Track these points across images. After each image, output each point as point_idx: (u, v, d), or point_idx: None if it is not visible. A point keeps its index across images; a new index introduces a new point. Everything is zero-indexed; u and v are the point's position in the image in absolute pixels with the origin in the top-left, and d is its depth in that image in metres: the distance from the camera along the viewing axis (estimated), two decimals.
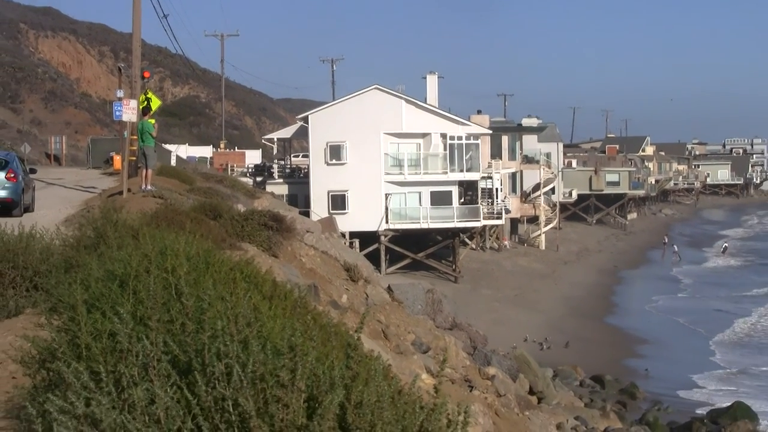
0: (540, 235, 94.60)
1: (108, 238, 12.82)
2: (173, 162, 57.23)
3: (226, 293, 7.44)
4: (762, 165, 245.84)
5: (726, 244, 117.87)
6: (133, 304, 7.61)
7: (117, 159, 42.66)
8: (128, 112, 30.86)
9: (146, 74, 37.00)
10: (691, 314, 68.91)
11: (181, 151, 78.20)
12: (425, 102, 76.51)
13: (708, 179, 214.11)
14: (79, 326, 7.30)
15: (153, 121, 31.66)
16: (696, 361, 53.44)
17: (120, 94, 35.73)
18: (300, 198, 71.39)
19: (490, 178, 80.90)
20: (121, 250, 9.64)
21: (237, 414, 5.94)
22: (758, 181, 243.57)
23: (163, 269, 8.08)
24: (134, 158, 32.66)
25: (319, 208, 67.73)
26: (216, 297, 7.40)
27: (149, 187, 29.28)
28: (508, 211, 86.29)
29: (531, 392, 38.98)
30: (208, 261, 8.76)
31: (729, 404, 40.46)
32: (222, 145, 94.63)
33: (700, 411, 41.49)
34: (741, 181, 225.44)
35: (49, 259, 13.49)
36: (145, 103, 32.57)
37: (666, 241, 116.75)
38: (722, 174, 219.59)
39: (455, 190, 73.53)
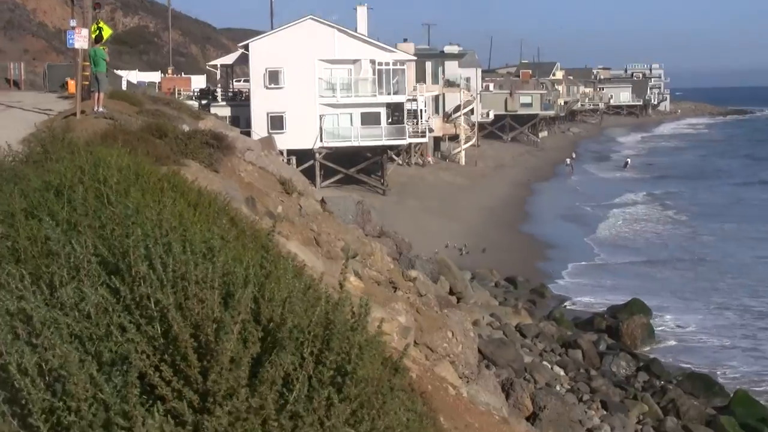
0: (460, 151, 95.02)
1: (54, 153, 12.61)
2: (124, 86, 56.23)
3: (153, 201, 7.37)
4: (659, 88, 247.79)
5: (628, 159, 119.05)
6: (67, 212, 7.52)
7: (71, 84, 41.84)
8: (80, 40, 30.26)
9: (97, 5, 36.32)
10: (591, 223, 70.43)
11: (132, 76, 76.86)
12: (356, 31, 76.22)
13: (611, 101, 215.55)
14: (17, 232, 7.21)
15: (105, 48, 31.27)
16: (593, 264, 54.48)
17: (73, 23, 34.92)
18: (242, 119, 70.85)
19: (415, 100, 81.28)
20: (58, 163, 9.50)
21: (158, 310, 5.89)
22: (656, 102, 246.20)
23: (96, 180, 7.97)
24: (87, 83, 32.25)
25: (259, 129, 67.41)
26: (143, 205, 7.33)
27: (101, 109, 29.12)
28: (431, 131, 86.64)
29: (451, 293, 39.33)
30: (138, 172, 8.66)
31: (626, 301, 41.17)
32: (169, 71, 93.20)
33: (601, 308, 42.13)
34: (640, 102, 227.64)
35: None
36: (97, 32, 32.11)
37: (573, 156, 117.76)
38: (624, 96, 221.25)
39: (383, 112, 73.84)
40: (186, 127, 30.58)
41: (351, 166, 73.00)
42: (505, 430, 8.92)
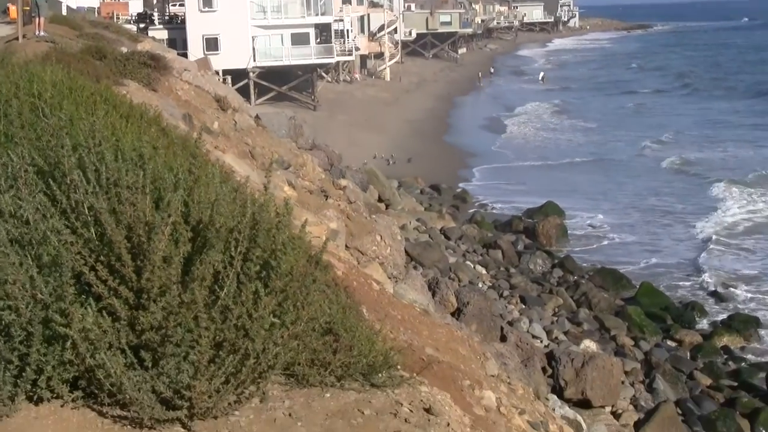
0: (385, 68, 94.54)
1: None
2: (64, 11, 54.76)
3: (86, 114, 7.22)
4: (569, 5, 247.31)
5: (543, 73, 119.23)
6: (3, 125, 7.36)
7: (13, 9, 40.69)
8: None
9: None
10: (507, 131, 71.28)
11: (71, 1, 74.81)
12: None
13: (525, 18, 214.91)
14: None
15: None
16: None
17: None
18: (178, 41, 69.58)
19: (342, 20, 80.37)
20: None
21: (92, 215, 5.81)
22: (566, 19, 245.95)
23: (31, 94, 7.79)
24: (28, 8, 31.43)
25: (195, 51, 66.30)
26: (77, 117, 7.18)
27: (42, 33, 28.54)
28: (357, 49, 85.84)
29: (379, 200, 39.43)
30: (71, 87, 8.48)
31: (542, 203, 41.58)
32: None
33: (518, 210, 42.50)
34: (552, 20, 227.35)
35: None
36: None
37: (492, 71, 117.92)
38: (536, 14, 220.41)
39: (312, 32, 72.97)
40: (125, 50, 30.06)
41: (283, 84, 72.35)
42: (424, 320, 9.01)
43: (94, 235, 5.79)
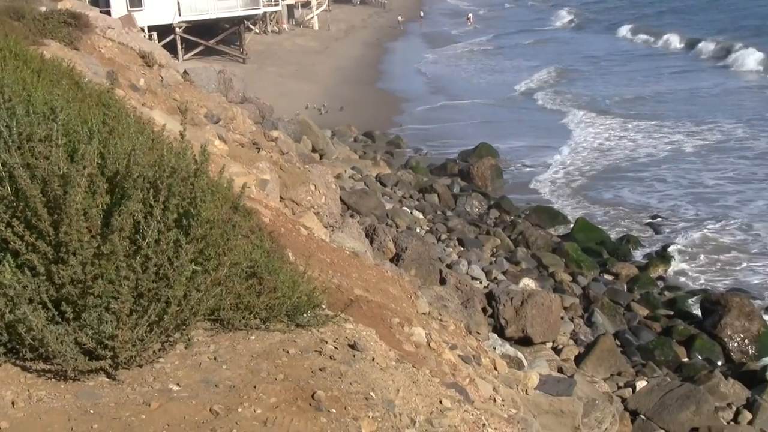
0: (313, 17, 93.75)
1: None
2: None
3: None
4: None
5: (470, 14, 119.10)
6: None
7: None
8: None
9: None
10: (437, 73, 71.55)
11: None
12: None
13: None
14: None
15: None
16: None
17: None
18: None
19: None
20: None
21: (6, 170, 5.77)
22: None
23: None
24: None
25: (119, 8, 65.07)
26: None
27: None
28: None
29: (313, 150, 39.33)
30: None
31: (475, 145, 41.75)
32: None
33: (452, 155, 42.64)
34: None
35: None
36: None
37: (422, 15, 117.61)
38: None
39: None
40: (44, 9, 29.52)
41: (211, 37, 71.45)
42: (354, 263, 9.09)
43: (9, 191, 5.76)
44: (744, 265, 28.23)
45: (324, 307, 6.48)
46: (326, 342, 5.97)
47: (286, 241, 8.16)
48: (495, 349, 18.03)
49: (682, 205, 34.66)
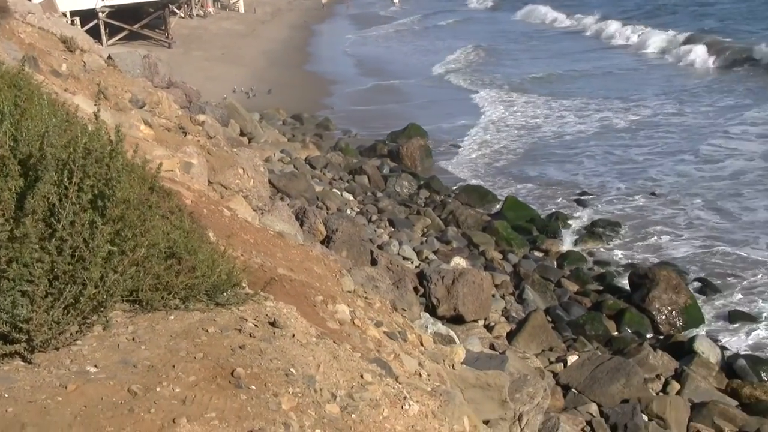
0: (238, 0, 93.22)
1: None
2: None
3: None
4: None
5: None
6: None
7: None
8: None
9: None
10: (365, 54, 71.60)
11: None
12: None
13: None
14: None
15: None
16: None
17: None
18: None
19: None
20: None
21: None
22: None
23: None
24: None
25: None
26: None
27: None
28: None
29: (242, 134, 39.11)
30: None
31: (404, 126, 41.84)
32: None
33: (382, 136, 42.67)
34: None
35: None
36: None
37: None
38: None
39: None
40: None
41: (135, 22, 70.53)
42: (278, 243, 9.08)
43: None
44: (671, 238, 28.71)
45: (245, 285, 6.48)
46: (246, 320, 5.97)
47: (208, 222, 8.12)
48: (427, 328, 18.14)
49: (609, 181, 35.14)
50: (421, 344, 8.33)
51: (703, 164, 36.98)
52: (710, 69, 58.90)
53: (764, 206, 31.34)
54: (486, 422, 8.81)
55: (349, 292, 8.28)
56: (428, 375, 7.17)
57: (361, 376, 6.01)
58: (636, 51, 68.92)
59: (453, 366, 8.24)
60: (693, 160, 37.67)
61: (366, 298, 8.34)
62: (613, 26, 78.02)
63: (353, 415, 5.57)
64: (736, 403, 18.49)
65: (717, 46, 62.11)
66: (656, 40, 69.36)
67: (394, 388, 6.18)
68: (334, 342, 6.40)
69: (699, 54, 61.11)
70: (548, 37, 78.54)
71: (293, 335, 6.00)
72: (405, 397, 6.10)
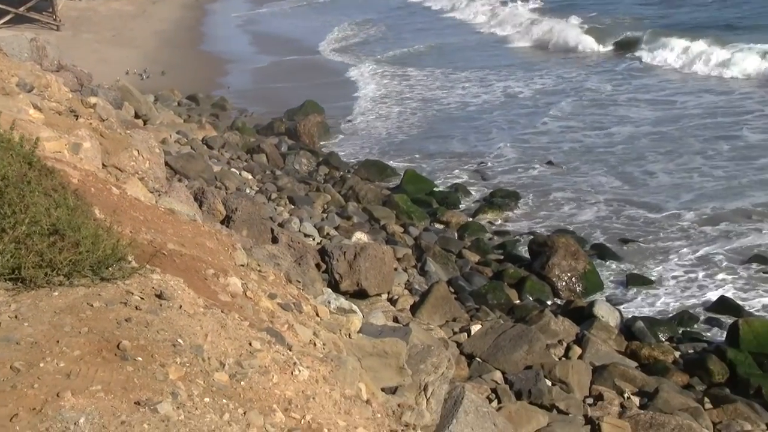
0: None
1: None
2: None
3: None
4: None
5: None
6: None
7: None
8: None
9: None
10: (258, 31, 71.42)
11: None
12: None
13: None
14: None
15: None
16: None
17: None
18: None
19: None
20: None
21: None
22: None
23: None
24: None
25: None
26: None
27: None
28: None
29: (136, 116, 38.55)
30: None
31: (301, 103, 41.78)
32: None
33: (279, 114, 42.46)
34: None
35: None
36: None
37: None
38: None
39: None
40: None
41: (20, 5, 68.85)
42: (169, 219, 9.03)
43: None
44: (569, 206, 29.24)
45: (131, 260, 6.45)
46: (132, 293, 5.95)
47: (95, 200, 8.03)
48: (330, 303, 18.19)
49: (508, 151, 35.60)
50: (317, 315, 8.38)
51: (591, 131, 37.71)
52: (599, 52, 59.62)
53: (662, 170, 32.12)
54: (393, 392, 8.91)
55: (242, 265, 8.29)
56: (323, 344, 7.23)
57: (250, 344, 6.04)
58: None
59: (350, 335, 8.31)
60: (581, 127, 38.43)
61: (260, 271, 8.36)
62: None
63: (242, 383, 5.61)
64: (635, 364, 18.95)
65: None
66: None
67: (283, 354, 6.22)
68: (222, 312, 6.42)
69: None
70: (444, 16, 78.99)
71: (180, 306, 6.00)
72: (295, 363, 6.15)
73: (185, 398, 5.18)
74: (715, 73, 47.25)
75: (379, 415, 6.52)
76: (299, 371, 6.07)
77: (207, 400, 5.31)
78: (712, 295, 22.23)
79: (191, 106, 45.00)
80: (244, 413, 5.32)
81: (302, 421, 5.56)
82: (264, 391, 5.66)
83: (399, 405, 7.28)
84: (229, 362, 5.74)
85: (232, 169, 33.01)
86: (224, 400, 5.38)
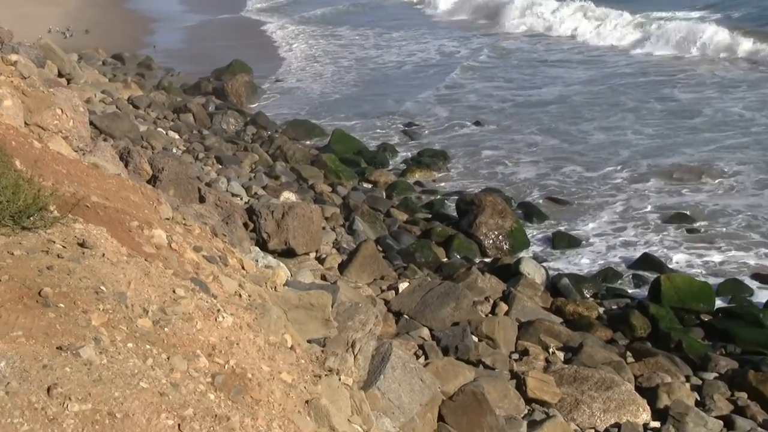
0: None
1: None
2: None
3: None
4: None
5: None
6: None
7: None
8: None
9: None
10: None
11: None
12: None
13: None
14: None
15: None
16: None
17: None
18: None
19: None
20: None
21: None
22: None
23: None
24: None
25: None
26: None
27: None
28: None
29: (60, 75, 37.92)
30: None
31: (229, 63, 41.47)
32: None
33: (206, 74, 42.10)
34: None
35: None
36: None
37: None
38: None
39: None
40: None
41: None
42: (93, 173, 8.96)
43: None
44: (496, 165, 29.50)
45: (53, 209, 6.41)
46: (54, 242, 5.93)
47: (16, 153, 7.94)
48: (257, 262, 18.19)
49: (439, 110, 35.75)
50: (243, 268, 8.41)
51: (523, 91, 38.04)
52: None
53: (597, 128, 32.50)
54: (322, 348, 8.96)
55: (168, 219, 8.27)
56: (249, 296, 7.27)
57: (174, 292, 6.06)
58: None
59: (275, 288, 8.36)
60: (511, 86, 38.73)
61: (185, 224, 8.35)
62: None
63: (166, 329, 5.63)
64: (560, 320, 19.24)
65: None
66: None
67: (207, 302, 6.25)
68: (145, 259, 6.42)
69: None
70: None
71: (103, 255, 5.99)
72: (219, 310, 6.19)
73: (108, 344, 5.19)
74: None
75: (302, 361, 6.59)
76: (223, 318, 6.11)
77: (130, 345, 5.33)
78: (637, 253, 22.62)
79: (116, 66, 44.39)
80: (168, 358, 5.35)
81: (226, 366, 5.61)
82: (188, 337, 5.69)
83: (323, 351, 7.36)
84: (153, 309, 5.76)
85: (159, 129, 32.68)
86: (148, 346, 5.40)
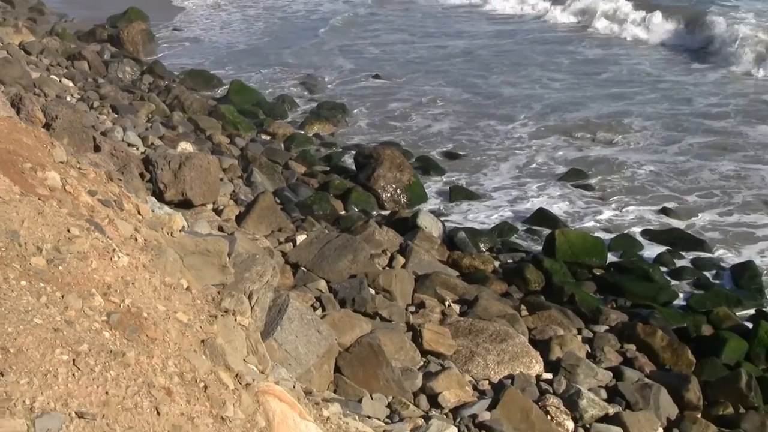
0: None
1: None
2: None
3: None
4: None
5: None
6: None
7: None
8: None
9: None
10: None
11: None
12: None
13: None
14: None
15: None
16: None
17: None
18: None
19: None
20: None
21: None
22: None
23: None
24: None
25: None
26: None
27: None
28: None
29: None
30: None
31: (125, 9, 40.76)
32: None
33: (101, 21, 41.26)
34: None
35: None
36: None
37: None
38: None
39: None
40: None
41: None
42: (18, 129, 8.79)
43: None
44: (401, 119, 29.65)
45: None
46: None
47: None
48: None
49: (339, 63, 35.72)
50: (139, 213, 8.39)
51: (428, 44, 38.22)
52: None
53: (504, 82, 32.83)
54: (218, 290, 8.98)
55: (62, 162, 8.19)
56: (145, 240, 7.27)
57: (68, 231, 6.04)
58: None
59: (172, 234, 8.36)
60: (416, 40, 38.88)
61: (80, 168, 8.28)
62: None
63: (60, 267, 5.62)
64: (456, 273, 19.54)
65: None
66: None
67: (102, 242, 6.25)
68: (39, 199, 6.39)
69: None
70: None
71: None
72: (114, 250, 6.19)
73: (0, 281, 5.18)
74: None
75: (198, 302, 6.64)
76: (119, 257, 6.12)
77: (23, 283, 5.31)
78: (533, 208, 23.02)
79: (6, 9, 43.15)
80: (62, 296, 5.35)
81: (121, 305, 5.63)
82: (82, 275, 5.69)
83: (219, 292, 7.41)
84: (47, 247, 5.74)
85: (52, 76, 31.97)
86: (41, 284, 5.39)
